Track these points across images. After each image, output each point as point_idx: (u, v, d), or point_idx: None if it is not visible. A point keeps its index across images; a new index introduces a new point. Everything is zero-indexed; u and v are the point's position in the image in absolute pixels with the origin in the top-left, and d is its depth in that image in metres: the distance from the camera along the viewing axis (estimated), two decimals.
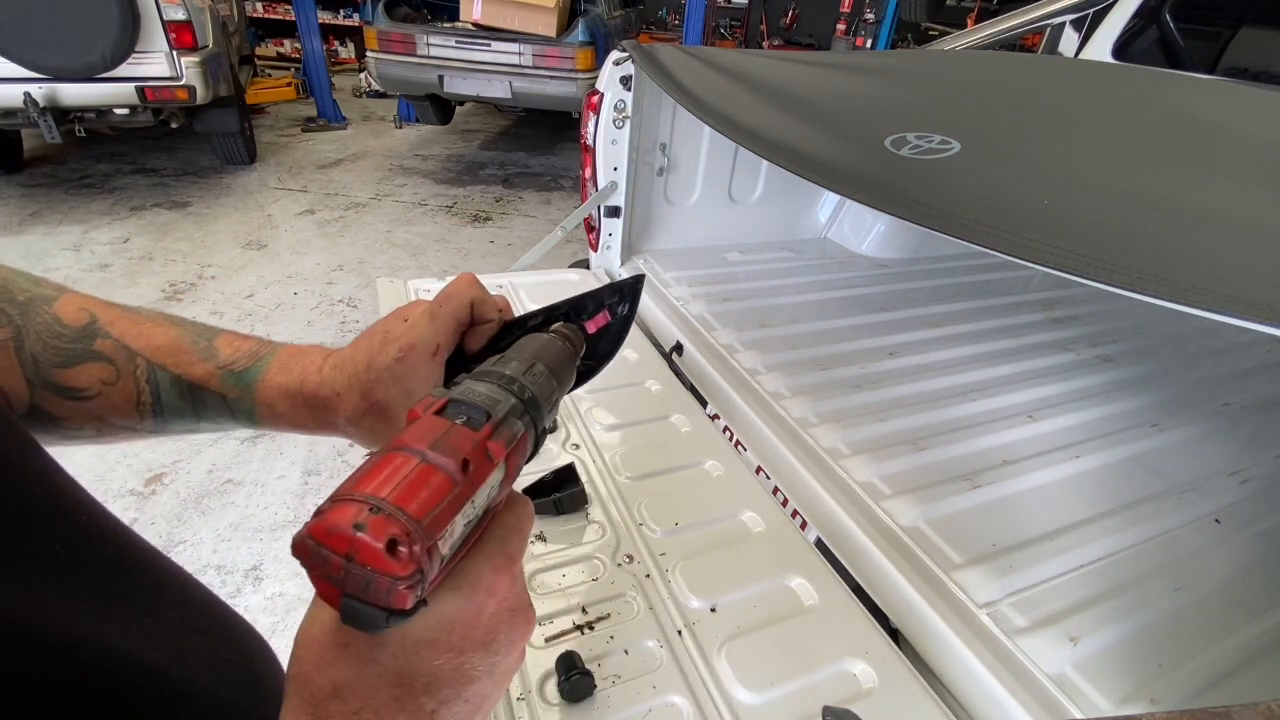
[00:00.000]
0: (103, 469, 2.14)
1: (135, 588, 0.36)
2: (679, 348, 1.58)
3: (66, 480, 0.35)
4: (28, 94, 3.42)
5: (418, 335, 0.42)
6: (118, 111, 3.77)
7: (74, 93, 3.57)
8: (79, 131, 3.94)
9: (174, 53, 3.71)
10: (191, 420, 0.46)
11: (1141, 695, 0.88)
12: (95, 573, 0.34)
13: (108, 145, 5.04)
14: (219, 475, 2.15)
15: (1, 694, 0.24)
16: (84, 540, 0.34)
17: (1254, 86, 1.56)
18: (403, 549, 0.23)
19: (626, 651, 0.85)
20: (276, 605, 1.76)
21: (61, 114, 3.64)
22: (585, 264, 2.01)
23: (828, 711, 0.75)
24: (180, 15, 3.66)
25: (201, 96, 3.86)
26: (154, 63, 3.69)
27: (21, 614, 0.27)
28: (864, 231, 2.27)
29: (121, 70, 3.58)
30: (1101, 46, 1.99)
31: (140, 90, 3.68)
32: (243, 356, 0.46)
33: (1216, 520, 1.21)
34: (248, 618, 1.71)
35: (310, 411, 0.45)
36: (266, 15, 7.94)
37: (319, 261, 3.67)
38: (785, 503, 1.19)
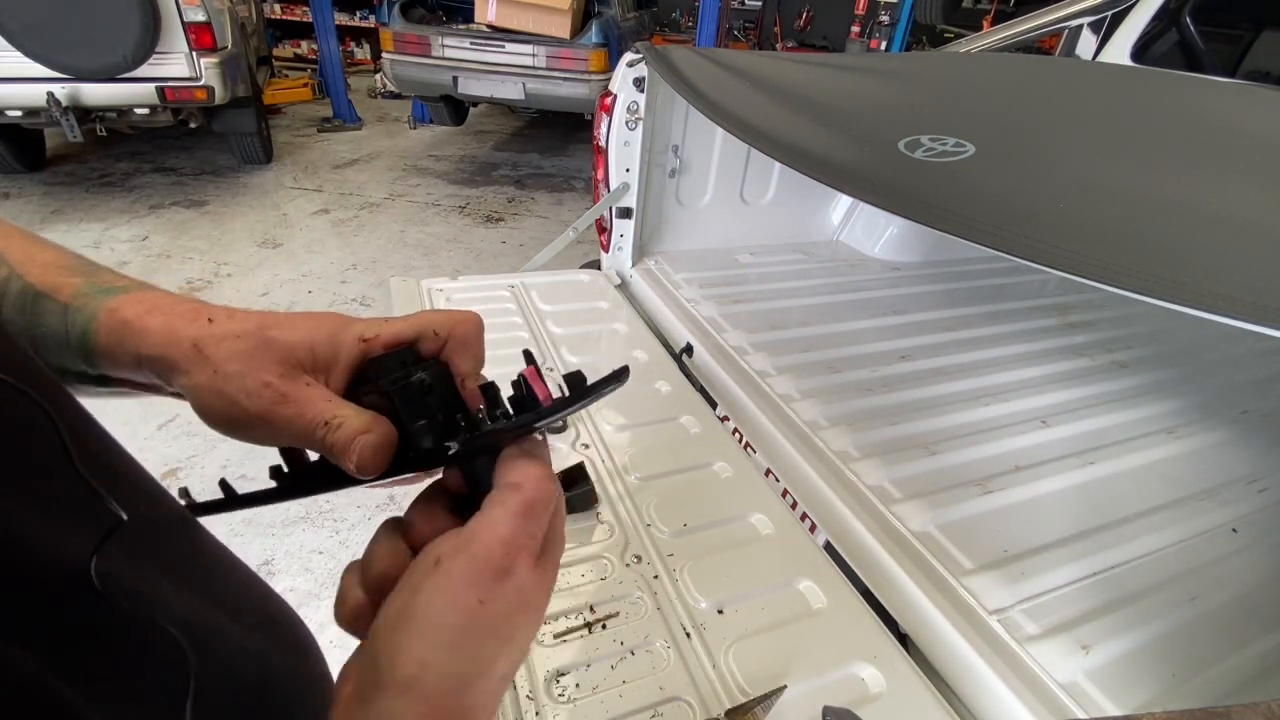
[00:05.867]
0: None
1: (188, 546, 0.35)
2: (689, 349, 1.58)
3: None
4: (51, 94, 3.48)
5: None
6: (138, 111, 3.83)
7: (96, 92, 3.63)
8: (100, 131, 4.01)
9: (194, 54, 3.76)
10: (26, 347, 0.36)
11: (1154, 705, 0.87)
12: (168, 537, 0.33)
13: (128, 144, 5.12)
14: (232, 471, 2.18)
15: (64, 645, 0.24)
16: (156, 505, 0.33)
17: (1276, 90, 1.54)
18: None
19: (633, 652, 0.85)
20: (288, 600, 1.77)
21: (83, 113, 3.70)
22: (597, 264, 2.02)
23: (828, 712, 0.75)
24: (200, 17, 3.71)
25: (220, 97, 3.90)
26: (174, 63, 3.74)
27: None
28: (876, 234, 2.26)
29: (142, 71, 3.63)
30: (1120, 49, 1.96)
31: (160, 90, 3.74)
32: (126, 281, 0.37)
33: (1233, 529, 1.20)
34: None
35: (168, 320, 0.34)
36: (284, 17, 8.03)
37: (333, 260, 3.70)
38: (794, 505, 1.18)
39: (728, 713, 0.76)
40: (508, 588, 0.29)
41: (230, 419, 0.34)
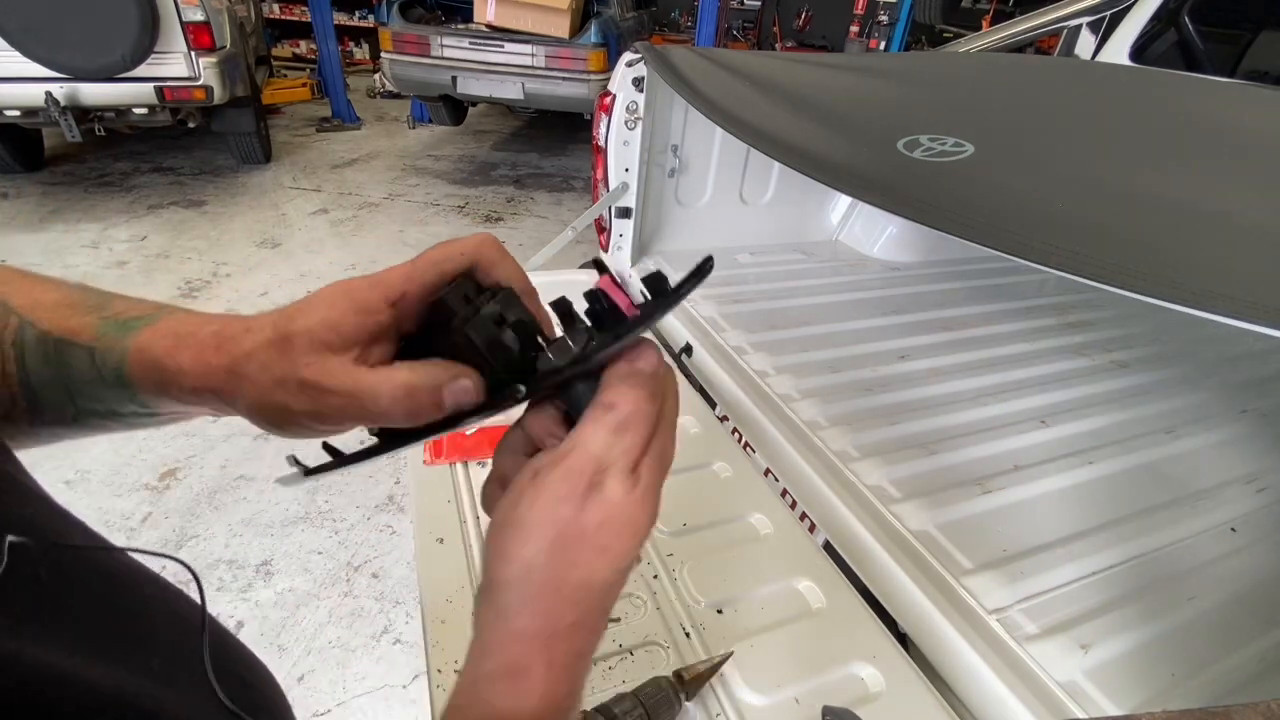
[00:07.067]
0: (118, 463, 2.17)
1: (140, 622, 0.32)
2: (688, 349, 1.58)
3: (44, 495, 0.32)
4: (49, 93, 3.47)
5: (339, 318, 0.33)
6: (136, 111, 3.82)
7: (94, 92, 3.62)
8: (98, 130, 4.00)
9: (192, 53, 3.75)
10: (63, 396, 0.35)
11: (1153, 704, 0.87)
12: (103, 607, 0.30)
13: (126, 144, 5.11)
14: (231, 470, 2.17)
15: None
16: (78, 566, 0.30)
17: (1274, 90, 1.54)
18: None
19: (632, 653, 0.85)
20: (287, 600, 1.77)
21: (82, 113, 3.69)
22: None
23: (828, 711, 0.75)
24: (198, 16, 3.71)
25: (219, 96, 3.90)
26: (172, 63, 3.73)
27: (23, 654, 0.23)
28: (876, 234, 2.26)
29: (141, 70, 3.63)
30: (1119, 49, 1.96)
31: (159, 90, 3.73)
32: (140, 309, 0.36)
33: (1232, 529, 1.20)
34: (258, 613, 1.73)
35: (198, 354, 0.33)
36: (283, 16, 8.02)
37: (332, 260, 3.70)
38: (794, 505, 1.18)
39: (675, 672, 0.79)
40: (597, 502, 0.30)
41: (292, 424, 0.33)
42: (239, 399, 0.33)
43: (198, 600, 0.35)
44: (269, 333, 0.33)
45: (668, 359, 0.34)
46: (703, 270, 0.29)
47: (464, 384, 0.32)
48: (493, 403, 0.32)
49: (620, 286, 0.32)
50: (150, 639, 0.32)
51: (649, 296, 0.31)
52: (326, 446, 0.36)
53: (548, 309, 0.36)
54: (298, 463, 0.36)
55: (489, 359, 0.32)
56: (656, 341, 0.33)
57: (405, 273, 0.35)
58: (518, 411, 0.36)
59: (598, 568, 0.31)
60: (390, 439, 0.36)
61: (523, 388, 0.32)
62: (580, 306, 0.34)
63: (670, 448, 0.34)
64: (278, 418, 0.33)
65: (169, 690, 0.29)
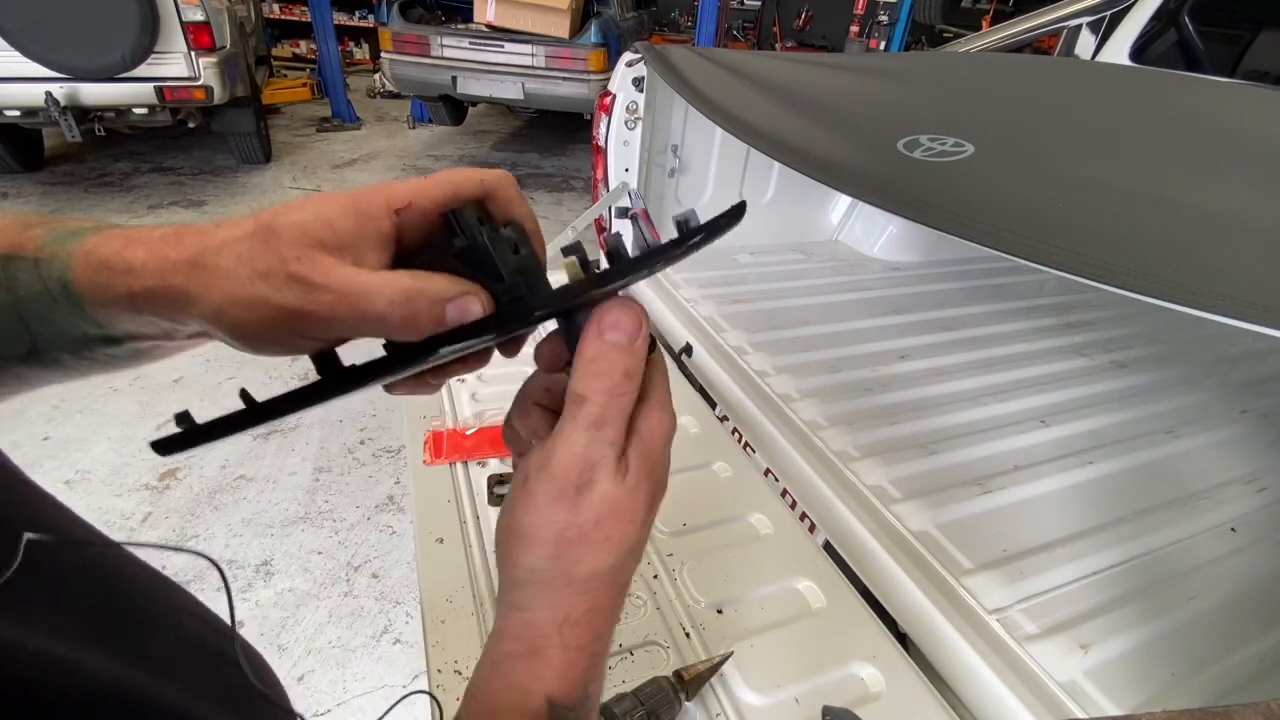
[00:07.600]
0: (118, 463, 2.17)
1: (139, 613, 0.32)
2: (688, 349, 1.58)
3: (40, 490, 0.31)
4: (49, 93, 3.47)
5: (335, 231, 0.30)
6: (136, 111, 3.82)
7: (94, 92, 3.62)
8: (98, 130, 4.00)
9: (192, 53, 3.75)
10: (15, 320, 0.31)
11: (1153, 704, 0.87)
12: (98, 596, 0.30)
13: (126, 144, 5.11)
14: (231, 471, 2.17)
15: None
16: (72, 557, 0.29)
17: (1274, 90, 1.54)
18: None
19: (632, 653, 0.85)
20: (286, 600, 1.77)
21: (82, 113, 3.69)
22: (596, 264, 2.02)
23: (828, 711, 0.75)
24: (199, 16, 3.71)
25: (219, 96, 3.90)
26: (172, 63, 3.74)
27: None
28: (876, 234, 2.26)
29: (141, 70, 3.63)
30: (1119, 49, 1.96)
31: (159, 90, 3.73)
32: (94, 223, 0.33)
33: (1232, 529, 1.20)
34: (258, 613, 1.72)
35: (152, 249, 0.29)
36: (283, 16, 8.03)
37: None
38: (794, 505, 1.18)
39: (675, 672, 0.79)
40: (590, 500, 0.31)
41: (265, 329, 0.29)
42: (204, 298, 0.29)
43: (203, 593, 0.35)
44: (249, 226, 0.29)
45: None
46: (735, 214, 0.29)
47: (471, 300, 0.29)
48: (492, 325, 0.29)
49: (652, 223, 0.32)
50: (148, 628, 0.32)
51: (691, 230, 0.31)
52: (243, 395, 0.31)
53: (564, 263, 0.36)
54: (188, 419, 0.30)
55: (506, 280, 0.30)
56: (638, 301, 0.33)
57: (414, 185, 0.32)
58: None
59: (603, 557, 0.32)
60: (333, 380, 0.31)
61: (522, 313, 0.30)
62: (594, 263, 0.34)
63: (661, 416, 0.34)
64: (250, 317, 0.29)
65: (167, 679, 0.30)
